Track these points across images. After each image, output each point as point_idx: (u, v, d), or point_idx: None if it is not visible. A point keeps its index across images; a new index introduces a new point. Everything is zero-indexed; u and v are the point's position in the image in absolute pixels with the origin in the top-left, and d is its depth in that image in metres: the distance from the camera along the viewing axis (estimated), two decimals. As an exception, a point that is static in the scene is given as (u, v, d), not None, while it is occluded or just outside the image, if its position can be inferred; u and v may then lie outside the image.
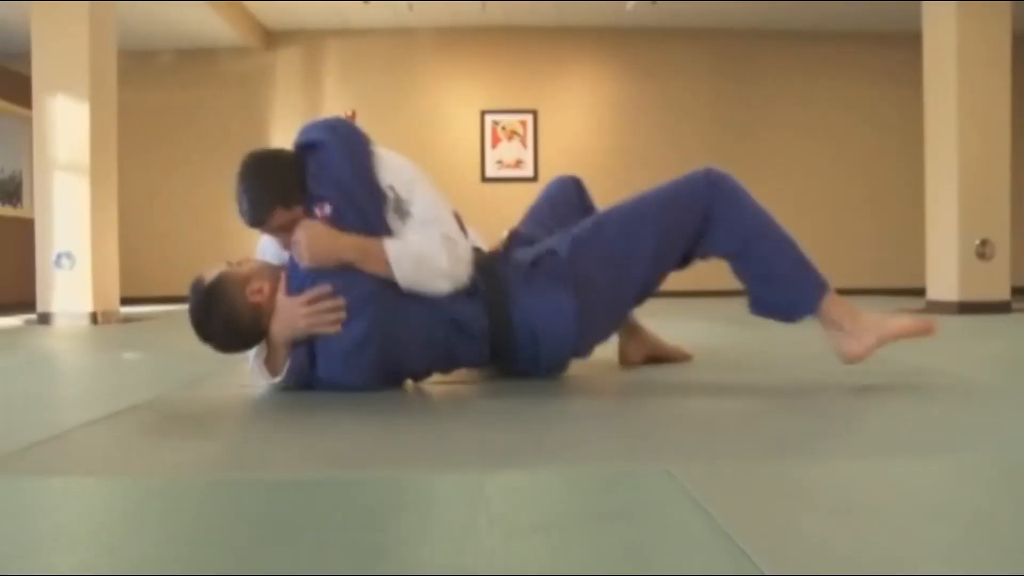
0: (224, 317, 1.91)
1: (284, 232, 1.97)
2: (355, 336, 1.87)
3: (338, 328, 1.86)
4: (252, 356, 2.03)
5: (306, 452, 1.42)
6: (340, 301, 1.86)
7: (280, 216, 1.94)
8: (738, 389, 2.07)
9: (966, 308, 5.27)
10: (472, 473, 1.23)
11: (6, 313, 6.34)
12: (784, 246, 2.04)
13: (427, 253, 1.92)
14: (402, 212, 1.97)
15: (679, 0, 7.94)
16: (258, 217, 1.94)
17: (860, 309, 2.04)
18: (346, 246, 1.90)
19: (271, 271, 2.00)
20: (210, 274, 1.94)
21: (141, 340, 4.06)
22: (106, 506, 1.12)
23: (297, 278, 1.92)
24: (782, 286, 2.03)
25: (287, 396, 1.93)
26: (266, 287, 1.93)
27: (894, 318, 2.03)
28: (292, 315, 1.89)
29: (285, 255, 2.03)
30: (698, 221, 2.05)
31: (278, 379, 1.96)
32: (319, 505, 1.07)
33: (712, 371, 2.47)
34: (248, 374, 2.08)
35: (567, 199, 2.45)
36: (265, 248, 2.17)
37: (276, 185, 1.94)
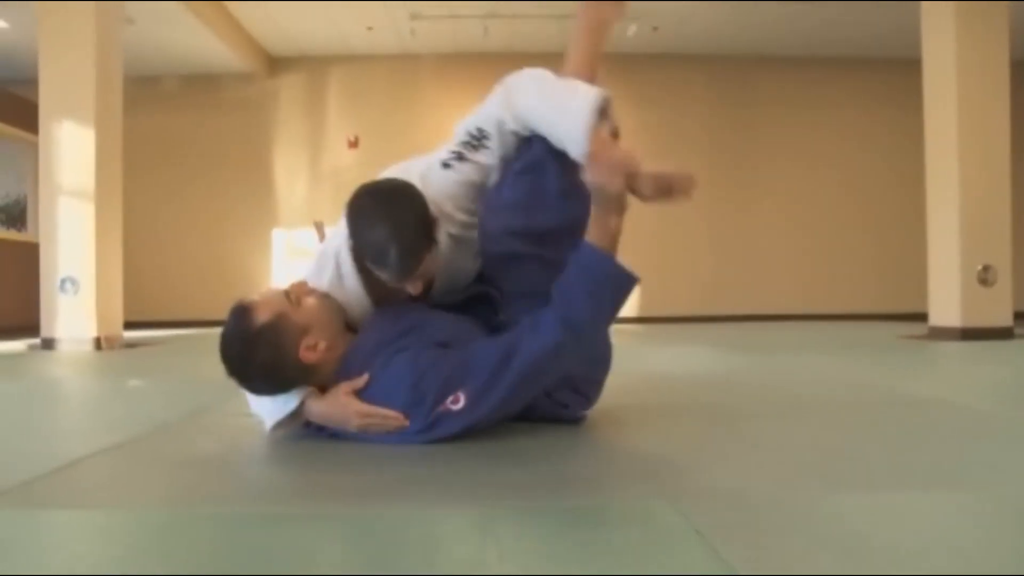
0: (266, 367, 1.65)
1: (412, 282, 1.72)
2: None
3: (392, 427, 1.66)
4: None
5: (312, 485, 1.41)
6: (397, 416, 1.64)
7: (427, 262, 1.68)
8: (741, 420, 2.07)
9: (968, 334, 5.26)
10: (480, 508, 1.23)
11: (10, 338, 6.35)
12: None
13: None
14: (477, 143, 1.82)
15: (679, 22, 8.02)
16: (410, 270, 1.66)
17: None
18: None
19: (331, 322, 1.74)
20: (262, 310, 1.65)
21: (145, 366, 4.05)
22: (111, 540, 1.12)
23: (356, 362, 1.71)
24: None
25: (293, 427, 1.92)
26: (322, 345, 1.68)
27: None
28: (345, 415, 1.68)
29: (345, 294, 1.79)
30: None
31: (285, 420, 1.77)
32: (325, 540, 1.07)
33: (716, 400, 2.46)
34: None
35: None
36: (319, 274, 1.82)
37: (423, 224, 1.65)
